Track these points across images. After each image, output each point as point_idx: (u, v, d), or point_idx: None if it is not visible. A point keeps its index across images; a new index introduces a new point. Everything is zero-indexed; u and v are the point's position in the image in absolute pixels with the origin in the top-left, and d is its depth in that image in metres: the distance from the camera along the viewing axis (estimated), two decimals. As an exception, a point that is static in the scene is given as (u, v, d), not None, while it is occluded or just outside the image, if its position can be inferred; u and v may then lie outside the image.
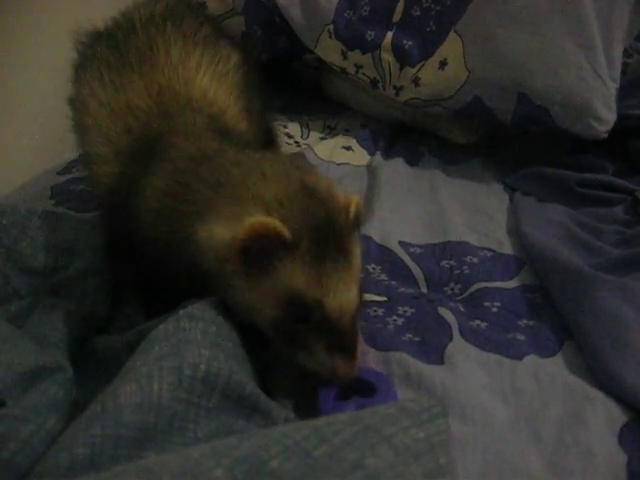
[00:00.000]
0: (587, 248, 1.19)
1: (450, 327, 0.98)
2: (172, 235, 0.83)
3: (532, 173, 1.47)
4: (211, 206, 0.80)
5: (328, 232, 0.77)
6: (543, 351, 0.94)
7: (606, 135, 1.46)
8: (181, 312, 0.78)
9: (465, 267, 1.15)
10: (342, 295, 0.76)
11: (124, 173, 0.96)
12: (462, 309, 1.04)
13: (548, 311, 1.04)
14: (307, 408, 0.79)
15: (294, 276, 0.75)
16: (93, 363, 0.87)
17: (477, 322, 1.01)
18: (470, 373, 0.89)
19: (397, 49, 1.55)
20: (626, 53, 1.67)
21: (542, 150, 1.60)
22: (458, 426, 0.79)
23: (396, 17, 1.57)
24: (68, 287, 0.99)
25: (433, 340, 0.95)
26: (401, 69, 1.55)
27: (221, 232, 0.78)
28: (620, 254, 1.13)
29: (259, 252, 0.75)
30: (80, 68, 1.14)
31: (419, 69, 1.53)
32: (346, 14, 1.60)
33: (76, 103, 1.12)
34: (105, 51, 1.10)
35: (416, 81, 1.54)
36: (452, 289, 1.11)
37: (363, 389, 0.77)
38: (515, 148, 1.64)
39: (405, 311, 1.02)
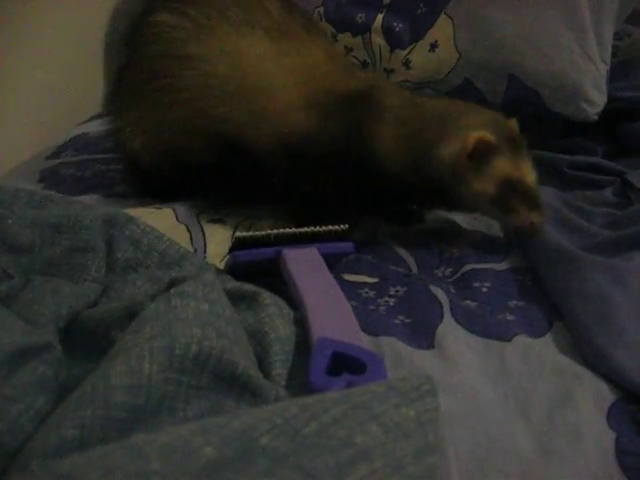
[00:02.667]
0: (577, 230, 1.19)
1: (441, 305, 0.98)
2: (410, 159, 1.15)
3: (522, 156, 1.46)
4: (442, 135, 1.13)
5: (511, 136, 1.14)
6: (532, 331, 0.94)
7: (596, 117, 1.46)
8: (172, 290, 0.77)
9: (454, 250, 1.16)
10: (532, 173, 1.14)
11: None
12: (453, 290, 1.04)
13: (538, 292, 1.04)
14: (300, 387, 0.80)
15: (504, 166, 1.11)
16: (83, 339, 0.86)
17: (467, 302, 1.01)
18: (460, 354, 0.89)
19: (387, 31, 1.54)
20: (617, 36, 1.67)
21: (532, 133, 1.60)
22: (448, 406, 0.79)
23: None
24: (57, 265, 0.98)
25: (424, 321, 0.95)
26: (391, 52, 1.54)
27: (452, 150, 1.11)
28: (609, 235, 1.14)
29: (480, 154, 1.09)
30: None
31: (410, 51, 1.53)
32: (337, -4, 1.59)
33: None
34: None
35: (407, 64, 1.53)
36: (443, 272, 1.12)
37: (354, 366, 0.77)
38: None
39: (397, 291, 1.02)
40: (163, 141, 1.25)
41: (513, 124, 1.18)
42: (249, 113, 1.19)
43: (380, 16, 1.55)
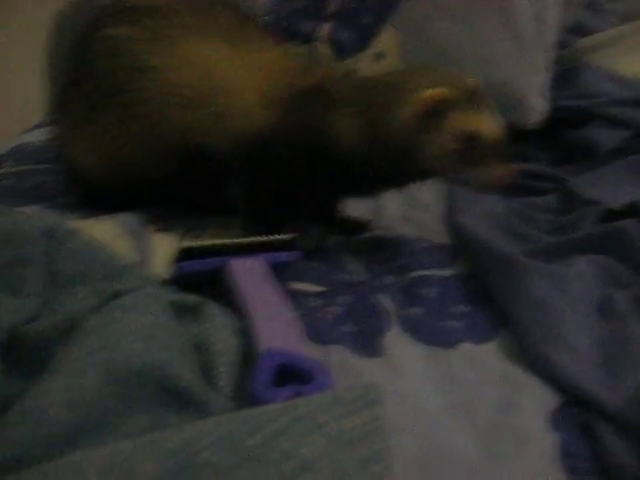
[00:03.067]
0: (521, 237, 1.20)
1: (388, 314, 0.99)
2: (370, 135, 1.15)
3: (468, 164, 1.48)
4: (392, 102, 1.14)
5: (469, 92, 1.11)
6: (478, 338, 0.95)
7: (539, 125, 1.48)
8: (113, 303, 0.76)
9: (401, 258, 1.17)
10: (493, 124, 1.11)
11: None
12: (400, 297, 1.05)
13: (484, 299, 1.05)
14: (246, 398, 0.79)
15: (459, 120, 1.09)
16: (23, 354, 0.83)
17: (414, 309, 1.01)
18: (406, 362, 0.90)
19: (333, 41, 1.55)
20: (559, 45, 1.70)
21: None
22: (394, 415, 0.79)
23: (332, 9, 1.57)
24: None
25: (371, 330, 0.96)
26: (337, 61, 1.55)
27: (405, 113, 1.11)
28: (550, 241, 1.16)
29: (435, 110, 1.09)
30: None
31: (355, 61, 1.54)
32: (282, 6, 1.59)
33: None
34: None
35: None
36: (390, 279, 1.12)
37: (300, 376, 0.77)
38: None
39: (344, 300, 1.02)
40: (121, 156, 1.24)
41: (473, 81, 1.16)
42: (212, 117, 1.19)
43: (326, 26, 1.56)
